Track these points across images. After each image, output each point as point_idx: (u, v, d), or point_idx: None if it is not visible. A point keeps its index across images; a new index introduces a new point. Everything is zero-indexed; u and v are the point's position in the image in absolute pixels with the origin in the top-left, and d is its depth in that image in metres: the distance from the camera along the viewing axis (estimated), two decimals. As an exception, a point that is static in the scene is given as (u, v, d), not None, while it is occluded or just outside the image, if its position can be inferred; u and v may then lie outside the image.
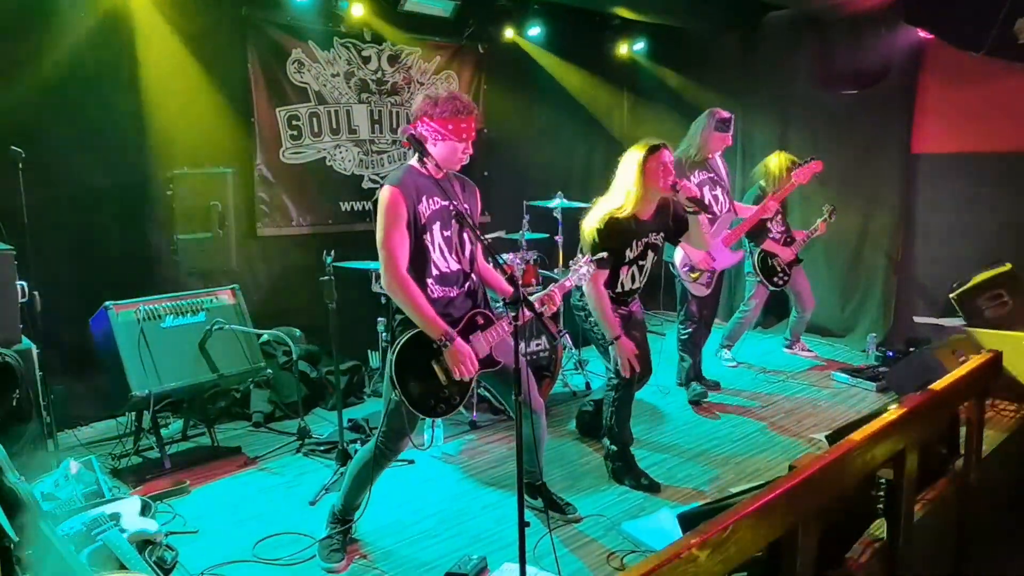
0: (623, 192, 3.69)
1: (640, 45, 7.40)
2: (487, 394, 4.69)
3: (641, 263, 3.85)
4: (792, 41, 6.57)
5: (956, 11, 5.13)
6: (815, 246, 6.19)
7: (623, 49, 7.38)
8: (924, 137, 6.14)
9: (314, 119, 5.67)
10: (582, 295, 3.79)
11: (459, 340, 2.97)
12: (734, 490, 3.18)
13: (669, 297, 5.17)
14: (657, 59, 7.53)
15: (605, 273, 3.66)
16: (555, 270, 5.79)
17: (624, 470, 3.96)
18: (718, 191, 4.96)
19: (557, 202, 5.58)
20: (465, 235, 3.13)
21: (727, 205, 4.99)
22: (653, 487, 3.86)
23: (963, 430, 3.62)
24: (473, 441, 4.48)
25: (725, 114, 4.87)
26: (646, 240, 3.80)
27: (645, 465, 4.03)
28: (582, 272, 3.33)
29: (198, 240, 4.81)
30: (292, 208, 5.63)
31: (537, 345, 4.86)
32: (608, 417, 3.98)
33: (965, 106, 5.84)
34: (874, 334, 6.13)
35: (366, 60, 5.86)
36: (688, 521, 2.39)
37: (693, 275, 4.92)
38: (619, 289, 3.83)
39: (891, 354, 5.80)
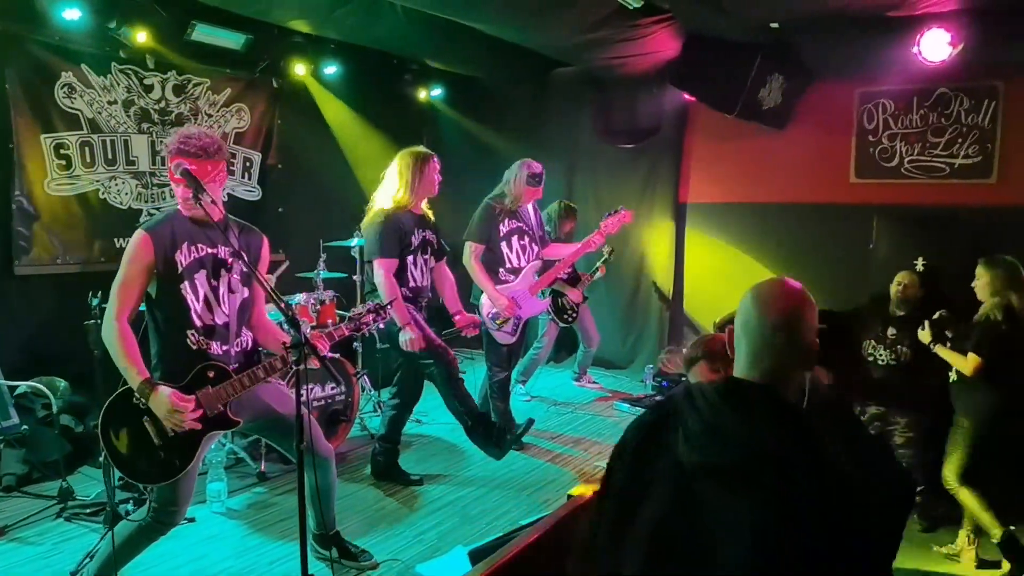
0: (398, 188, 4.08)
1: (438, 91, 7.59)
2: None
3: (424, 256, 4.19)
4: (576, 96, 7.07)
5: (711, 78, 5.78)
6: (599, 286, 6.64)
7: (422, 93, 7.52)
8: (690, 188, 6.85)
9: (86, 148, 5.22)
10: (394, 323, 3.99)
11: (163, 388, 2.67)
12: (524, 522, 3.28)
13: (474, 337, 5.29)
14: (454, 105, 7.76)
15: (395, 262, 4.01)
16: (352, 310, 5.69)
17: (386, 466, 4.39)
18: (526, 240, 4.98)
19: (356, 241, 5.51)
20: (236, 285, 2.94)
21: (534, 255, 5.02)
22: (418, 482, 4.33)
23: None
24: (261, 494, 4.27)
25: (537, 168, 4.85)
26: (423, 234, 4.16)
27: (445, 502, 4.12)
28: (365, 321, 3.31)
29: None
30: (57, 244, 5.11)
31: (332, 389, 4.74)
32: (385, 421, 4.40)
33: (725, 161, 6.60)
34: (651, 365, 6.62)
35: (148, 88, 5.51)
36: (478, 557, 2.45)
37: (498, 322, 4.88)
38: (411, 284, 4.16)
39: (665, 384, 6.32)
